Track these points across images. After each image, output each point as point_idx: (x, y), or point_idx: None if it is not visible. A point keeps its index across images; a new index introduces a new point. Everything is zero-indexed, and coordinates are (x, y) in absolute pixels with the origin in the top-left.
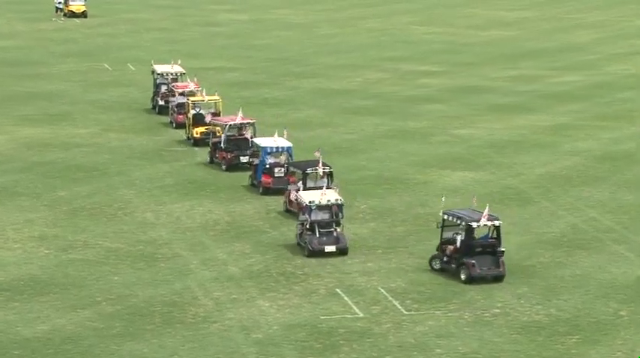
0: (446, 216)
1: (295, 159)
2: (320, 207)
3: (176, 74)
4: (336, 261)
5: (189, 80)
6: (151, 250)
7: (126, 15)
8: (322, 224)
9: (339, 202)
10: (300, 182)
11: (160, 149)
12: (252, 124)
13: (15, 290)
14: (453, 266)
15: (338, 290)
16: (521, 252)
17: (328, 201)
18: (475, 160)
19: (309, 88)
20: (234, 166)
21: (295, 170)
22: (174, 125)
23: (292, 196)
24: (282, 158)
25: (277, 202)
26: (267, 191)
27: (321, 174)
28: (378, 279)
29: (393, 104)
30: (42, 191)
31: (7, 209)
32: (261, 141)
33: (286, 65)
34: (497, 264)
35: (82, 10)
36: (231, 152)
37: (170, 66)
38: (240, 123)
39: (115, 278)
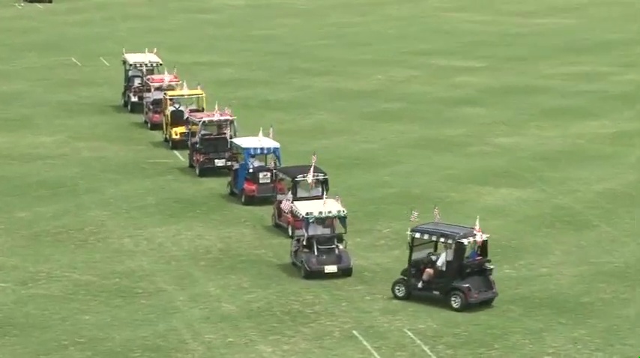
0: (418, 235)
1: (284, 164)
2: (319, 221)
3: (152, 64)
4: (353, 296)
5: (166, 72)
6: (128, 284)
7: (98, 0)
8: (321, 240)
9: (342, 214)
10: (290, 191)
11: (140, 161)
12: (232, 122)
13: None
14: (436, 293)
15: (355, 332)
16: (577, 286)
17: (329, 212)
18: (521, 175)
19: (320, 87)
20: (208, 171)
21: (284, 176)
22: (149, 125)
23: (285, 207)
24: (271, 162)
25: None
26: (251, 200)
27: (311, 181)
28: (403, 319)
29: (423, 107)
30: None
31: None
32: (243, 142)
33: (292, 60)
34: (489, 285)
35: None
36: (205, 154)
37: (144, 55)
38: (218, 120)
39: (86, 317)
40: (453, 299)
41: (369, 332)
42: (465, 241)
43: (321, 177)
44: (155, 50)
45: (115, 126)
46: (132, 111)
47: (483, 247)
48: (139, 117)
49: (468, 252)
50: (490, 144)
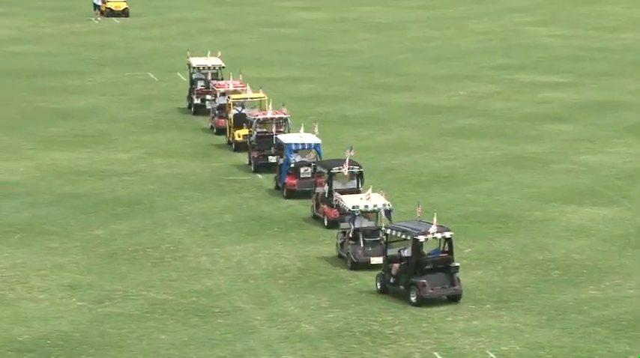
0: (389, 231)
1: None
2: (365, 214)
3: (215, 68)
4: (435, 317)
5: (232, 77)
6: (205, 302)
7: (175, 14)
8: (367, 232)
9: (388, 208)
10: (327, 184)
11: (218, 178)
12: (286, 120)
13: (41, 352)
14: (402, 287)
15: (436, 353)
16: None
17: (375, 206)
18: (607, 194)
19: (400, 103)
20: (262, 167)
21: (322, 170)
22: (214, 130)
23: (334, 199)
24: (311, 156)
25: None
26: (292, 194)
27: (346, 174)
28: (485, 341)
29: (505, 124)
30: (74, 229)
31: (33, 251)
32: (286, 138)
33: (372, 75)
34: (452, 282)
35: (122, 8)
36: (260, 151)
37: (207, 58)
38: (272, 118)
39: (162, 336)
40: (410, 293)
41: (450, 353)
42: (422, 238)
43: (356, 169)
44: (219, 54)
45: (191, 143)
46: (195, 113)
47: (450, 245)
48: (204, 121)
49: (431, 249)
50: (574, 162)
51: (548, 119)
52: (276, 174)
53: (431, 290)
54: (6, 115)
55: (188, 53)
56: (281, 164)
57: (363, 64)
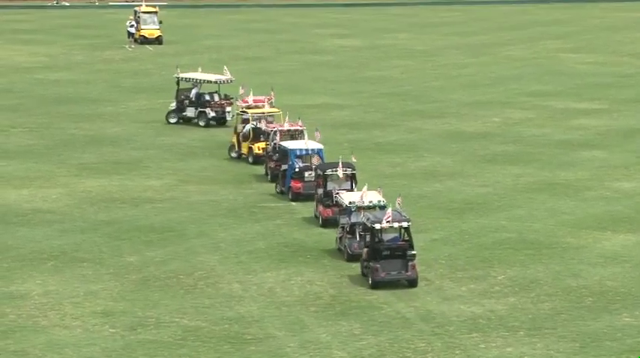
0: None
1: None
2: (361, 209)
3: (226, 82)
4: (467, 343)
5: (240, 89)
6: (238, 329)
7: (209, 41)
8: (363, 227)
9: (382, 204)
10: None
11: (250, 205)
12: (302, 132)
13: None
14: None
15: None
16: None
17: (370, 202)
18: None
19: (434, 130)
20: (277, 177)
21: (320, 172)
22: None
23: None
24: (314, 160)
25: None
26: (297, 197)
27: (341, 176)
28: None
29: (539, 150)
30: (107, 256)
31: (65, 278)
32: (290, 144)
33: (406, 102)
34: (406, 268)
35: (155, 36)
36: (276, 161)
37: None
38: (288, 130)
39: None
40: (367, 277)
41: None
42: (377, 226)
43: (349, 171)
44: (225, 67)
45: (224, 170)
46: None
47: (407, 233)
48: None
49: (390, 236)
50: (608, 189)
51: (582, 146)
52: (278, 180)
53: (383, 274)
54: (39, 142)
55: (199, 69)
56: (284, 170)
57: (397, 90)
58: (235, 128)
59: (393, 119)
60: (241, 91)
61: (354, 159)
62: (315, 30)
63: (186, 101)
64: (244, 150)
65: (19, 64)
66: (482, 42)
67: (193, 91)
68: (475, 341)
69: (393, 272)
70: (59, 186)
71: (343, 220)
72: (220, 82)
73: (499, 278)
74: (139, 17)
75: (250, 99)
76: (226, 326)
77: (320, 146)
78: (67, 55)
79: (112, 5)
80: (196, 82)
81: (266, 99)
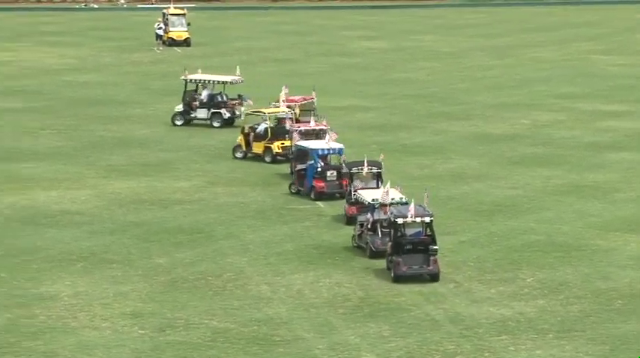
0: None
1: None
2: (383, 206)
3: (236, 82)
4: (496, 346)
5: (284, 89)
6: (267, 331)
7: (238, 43)
8: (385, 223)
9: (404, 201)
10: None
11: (278, 207)
12: (326, 131)
13: None
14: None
15: None
16: None
17: (392, 199)
18: None
19: (461, 132)
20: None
21: (347, 171)
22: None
23: (353, 195)
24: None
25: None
26: (321, 196)
27: (366, 173)
28: None
29: (568, 152)
30: (136, 258)
31: (95, 279)
32: (311, 144)
33: (432, 104)
34: (428, 263)
35: (183, 38)
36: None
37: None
38: (313, 129)
39: None
40: (390, 271)
41: None
42: (400, 220)
43: (374, 170)
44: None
45: (253, 171)
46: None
47: (430, 227)
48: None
49: (414, 231)
50: (638, 191)
51: (611, 147)
52: (293, 179)
53: (404, 268)
54: (68, 144)
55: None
56: (300, 169)
57: (424, 92)
58: (243, 128)
59: (419, 121)
60: (285, 91)
61: (381, 158)
62: (343, 32)
63: (196, 103)
64: (258, 150)
65: (48, 66)
66: (510, 43)
67: (204, 93)
68: (504, 344)
69: (414, 267)
70: (88, 188)
71: (362, 217)
72: (234, 83)
73: (528, 280)
74: (167, 19)
75: (282, 99)
76: (255, 327)
77: (341, 146)
78: (96, 57)
79: (140, 8)
80: (206, 83)
81: (301, 99)
